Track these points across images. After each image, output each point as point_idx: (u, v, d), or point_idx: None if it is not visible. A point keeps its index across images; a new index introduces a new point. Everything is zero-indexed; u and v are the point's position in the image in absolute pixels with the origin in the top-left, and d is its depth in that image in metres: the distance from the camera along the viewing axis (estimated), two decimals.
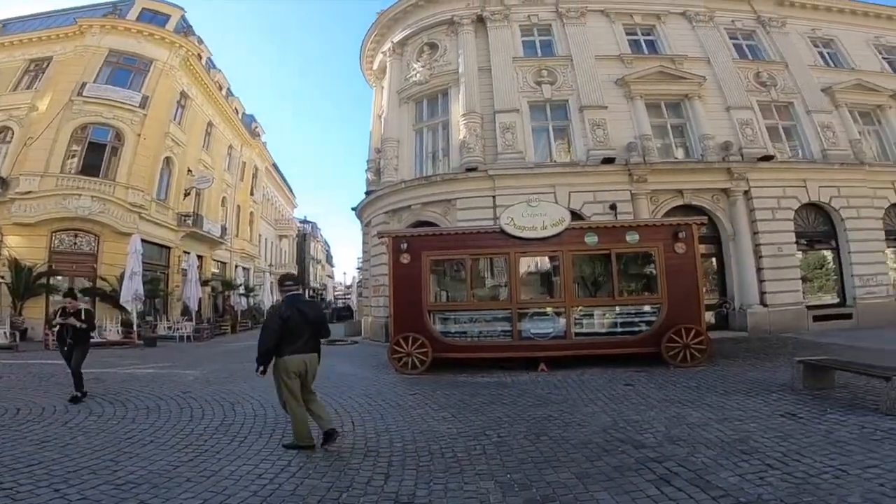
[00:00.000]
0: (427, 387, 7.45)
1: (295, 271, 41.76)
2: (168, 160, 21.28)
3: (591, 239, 9.18)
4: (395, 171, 15.52)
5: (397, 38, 17.10)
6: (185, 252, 21.44)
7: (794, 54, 15.89)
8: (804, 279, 13.98)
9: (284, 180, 46.32)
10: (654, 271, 9.17)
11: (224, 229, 25.99)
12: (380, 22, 17.78)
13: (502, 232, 9.27)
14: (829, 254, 14.64)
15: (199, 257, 22.77)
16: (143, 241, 17.19)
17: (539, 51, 15.76)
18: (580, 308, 9.24)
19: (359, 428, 5.25)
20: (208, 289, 23.82)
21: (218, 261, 27.01)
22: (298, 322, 4.51)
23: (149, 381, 8.07)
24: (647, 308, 9.10)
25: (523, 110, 14.51)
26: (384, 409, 6.05)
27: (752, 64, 15.65)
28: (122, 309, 15.76)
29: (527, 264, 10.12)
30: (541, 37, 15.98)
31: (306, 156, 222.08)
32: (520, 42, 15.68)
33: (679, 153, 14.70)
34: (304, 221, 53.34)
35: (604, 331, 9.18)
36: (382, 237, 10.51)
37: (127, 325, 15.73)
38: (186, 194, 22.61)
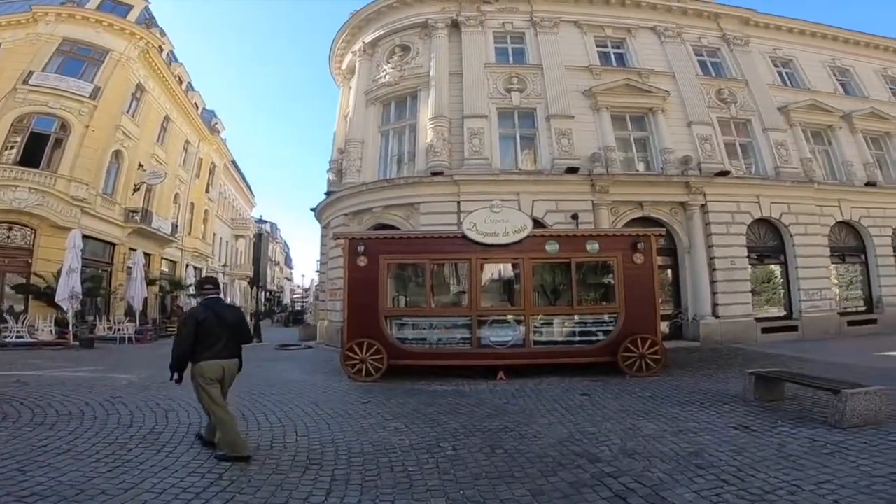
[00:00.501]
0: (381, 395, 7.15)
1: (251, 272, 40.44)
2: (118, 153, 20.20)
3: (552, 247, 9.13)
4: (357, 172, 15.16)
5: (369, 38, 16.82)
6: (130, 249, 20.31)
7: (754, 73, 16.50)
8: (753, 292, 14.42)
9: (244, 178, 44.93)
10: (612, 281, 9.19)
11: (175, 227, 24.85)
12: (352, 21, 17.47)
13: (464, 237, 9.10)
14: (777, 268, 15.16)
15: (147, 255, 21.61)
16: (85, 236, 16.29)
17: (511, 58, 15.80)
18: (540, 316, 9.16)
19: (302, 439, 4.91)
20: (155, 288, 22.60)
21: (168, 259, 25.78)
22: (215, 325, 4.33)
23: (76, 386, 7.42)
24: (604, 317, 9.11)
25: (492, 116, 14.47)
26: (332, 419, 5.72)
27: (714, 81, 16.15)
28: (58, 308, 14.70)
29: (488, 271, 9.97)
30: (513, 44, 16.04)
31: (270, 154, 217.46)
32: (492, 48, 15.69)
33: (640, 166, 14.97)
34: (261, 221, 51.54)
35: (562, 339, 9.12)
36: (339, 238, 10.15)
37: (62, 324, 14.68)
38: (136, 189, 21.47)
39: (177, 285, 24.67)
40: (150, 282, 20.59)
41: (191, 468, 4.00)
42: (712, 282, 13.69)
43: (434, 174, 13.46)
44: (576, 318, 9.16)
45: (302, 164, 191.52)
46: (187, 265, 26.84)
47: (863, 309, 15.69)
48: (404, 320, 9.11)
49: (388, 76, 15.84)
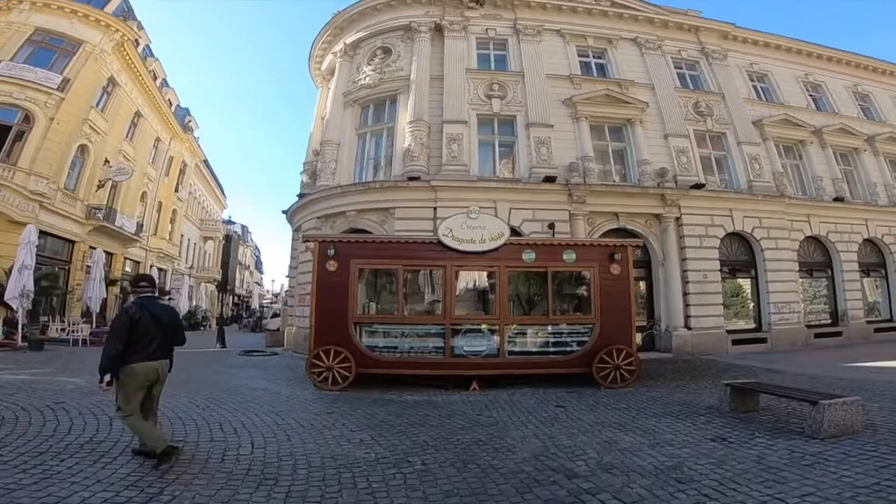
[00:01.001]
0: (347, 405, 6.80)
1: (219, 275, 39.40)
2: (83, 148, 19.36)
3: (528, 256, 8.97)
4: (332, 174, 14.80)
5: (350, 39, 16.57)
6: (91, 247, 19.40)
7: (731, 86, 16.77)
8: (723, 305, 14.54)
9: (216, 179, 43.81)
10: (588, 291, 9.07)
11: (140, 226, 23.95)
12: (334, 22, 17.19)
13: (439, 243, 8.85)
14: (745, 282, 15.32)
15: (109, 254, 20.70)
16: (42, 232, 15.47)
17: (493, 65, 15.74)
18: (514, 326, 8.95)
19: (258, 451, 4.55)
20: (116, 289, 21.62)
21: (131, 259, 24.72)
22: (149, 325, 4.12)
23: (17, 389, 6.85)
24: (580, 328, 8.94)
25: (471, 123, 14.34)
26: (293, 430, 5.37)
27: (692, 93, 16.35)
28: (8, 307, 13.82)
29: (463, 279, 9.72)
30: (496, 51, 15.99)
31: (249, 155, 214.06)
32: (474, 54, 15.60)
33: (617, 177, 15.00)
34: (229, 222, 50.29)
35: (537, 350, 8.91)
36: (309, 241, 9.77)
37: (12, 324, 13.79)
38: (100, 186, 20.57)
39: None
40: (110, 282, 19.71)
41: (129, 481, 3.64)
42: (685, 294, 13.75)
43: (411, 179, 13.22)
44: (551, 328, 8.97)
45: (279, 166, 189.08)
46: (151, 266, 25.86)
47: (828, 322, 16.03)
48: (375, 327, 8.77)
49: (368, 78, 15.60)
